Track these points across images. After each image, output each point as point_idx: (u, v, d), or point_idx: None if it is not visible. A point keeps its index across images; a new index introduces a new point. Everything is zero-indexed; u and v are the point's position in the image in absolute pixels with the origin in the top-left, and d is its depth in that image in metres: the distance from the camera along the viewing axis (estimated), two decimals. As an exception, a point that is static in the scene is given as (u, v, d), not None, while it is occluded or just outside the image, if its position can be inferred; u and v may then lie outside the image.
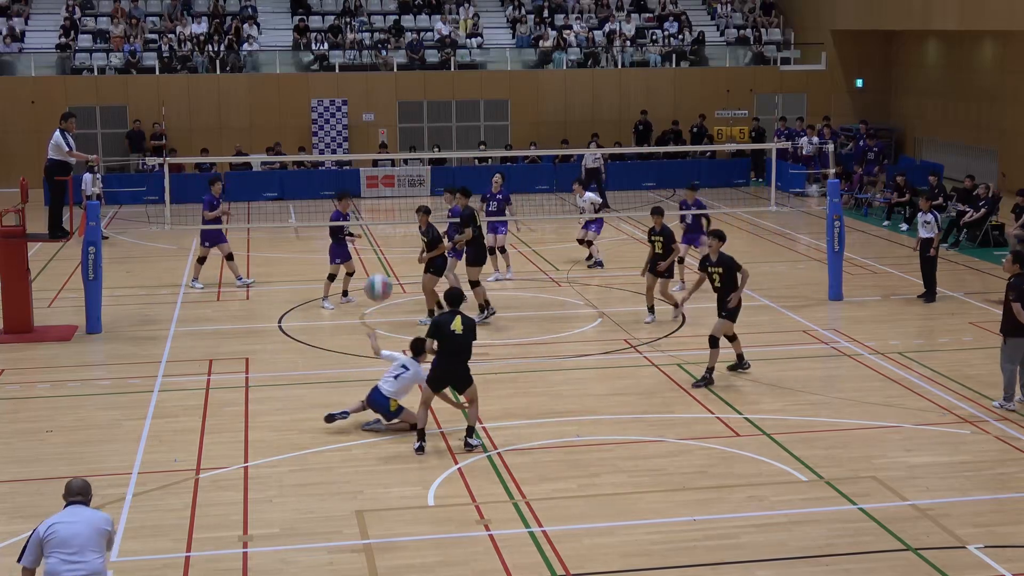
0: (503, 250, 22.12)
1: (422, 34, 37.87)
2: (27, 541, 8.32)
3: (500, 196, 21.71)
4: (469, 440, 13.18)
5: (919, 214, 20.21)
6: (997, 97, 32.86)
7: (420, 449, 13.07)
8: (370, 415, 13.92)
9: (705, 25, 39.96)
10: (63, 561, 8.19)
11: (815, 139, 33.37)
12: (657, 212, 18.90)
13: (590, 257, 23.15)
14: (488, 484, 12.20)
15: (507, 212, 21.64)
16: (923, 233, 19.99)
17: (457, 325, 12.98)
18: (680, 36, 38.83)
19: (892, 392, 15.09)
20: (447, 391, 13.66)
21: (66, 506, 8.48)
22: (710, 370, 15.47)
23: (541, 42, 37.80)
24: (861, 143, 32.81)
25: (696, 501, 11.74)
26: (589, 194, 24.08)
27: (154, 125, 34.14)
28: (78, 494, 8.52)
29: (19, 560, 8.34)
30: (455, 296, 13.44)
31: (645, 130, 35.86)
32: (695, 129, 35.65)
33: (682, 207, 21.21)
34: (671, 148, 32.54)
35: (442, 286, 17.88)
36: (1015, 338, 14.23)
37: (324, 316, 19.61)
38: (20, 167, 30.90)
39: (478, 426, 13.79)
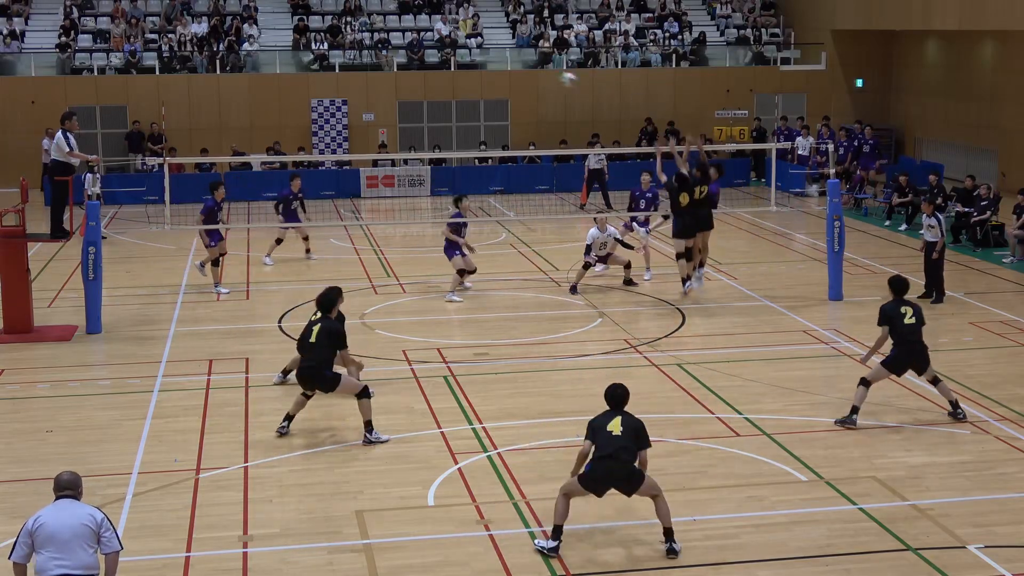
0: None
1: (422, 34, 37.87)
2: (17, 536, 8.33)
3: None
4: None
5: (923, 217, 20.04)
6: (997, 97, 32.85)
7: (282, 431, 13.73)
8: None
9: (705, 25, 39.95)
10: (51, 558, 8.19)
11: (810, 139, 33.32)
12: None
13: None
14: (488, 484, 12.19)
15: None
16: (927, 237, 19.82)
17: (313, 334, 13.40)
18: (680, 36, 38.82)
19: (892, 392, 15.06)
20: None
21: (56, 499, 8.42)
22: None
23: (541, 42, 37.80)
24: (856, 142, 32.66)
25: (696, 501, 11.73)
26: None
27: (151, 125, 34.10)
28: (67, 488, 8.43)
29: (9, 556, 8.33)
30: (326, 301, 13.78)
31: (652, 136, 35.68)
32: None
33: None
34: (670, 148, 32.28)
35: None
36: None
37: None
38: (20, 167, 30.86)
39: (479, 426, 13.79)
